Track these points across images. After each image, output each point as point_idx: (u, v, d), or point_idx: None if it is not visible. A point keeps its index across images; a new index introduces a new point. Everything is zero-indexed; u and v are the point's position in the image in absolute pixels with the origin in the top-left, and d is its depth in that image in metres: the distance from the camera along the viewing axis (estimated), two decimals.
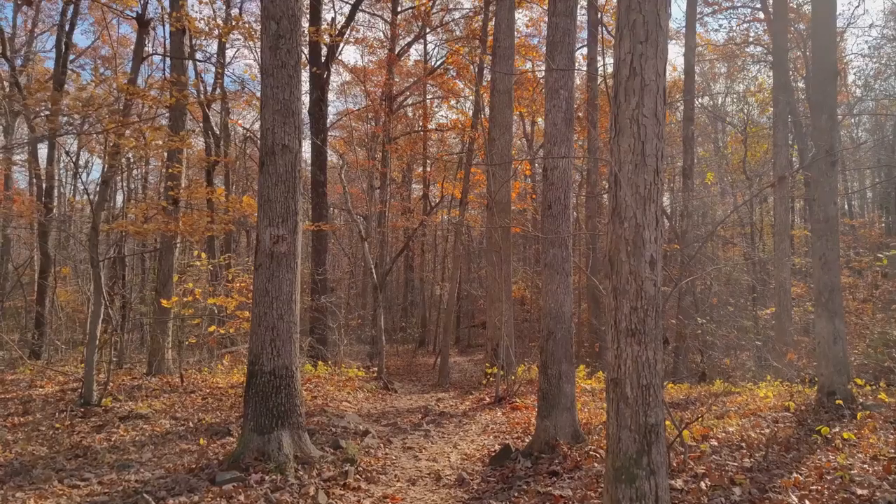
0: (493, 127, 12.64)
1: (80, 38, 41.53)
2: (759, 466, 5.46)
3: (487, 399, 10.15)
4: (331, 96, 25.28)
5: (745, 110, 23.63)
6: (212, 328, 9.76)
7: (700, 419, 6.32)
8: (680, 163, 19.77)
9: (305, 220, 22.27)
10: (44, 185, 17.30)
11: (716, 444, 6.31)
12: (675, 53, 57.59)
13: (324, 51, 16.63)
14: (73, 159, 17.26)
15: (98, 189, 8.49)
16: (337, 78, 27.52)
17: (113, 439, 6.79)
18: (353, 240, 27.33)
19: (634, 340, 3.33)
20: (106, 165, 8.27)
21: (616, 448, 3.45)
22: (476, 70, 18.73)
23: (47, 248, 15.79)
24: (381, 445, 6.82)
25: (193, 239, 8.82)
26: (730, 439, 6.50)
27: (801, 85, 19.91)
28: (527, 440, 7.06)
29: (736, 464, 5.50)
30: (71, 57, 18.51)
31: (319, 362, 12.93)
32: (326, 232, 17.74)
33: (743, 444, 6.27)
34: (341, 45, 19.27)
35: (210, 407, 8.58)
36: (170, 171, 9.80)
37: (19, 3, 17.47)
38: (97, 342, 8.27)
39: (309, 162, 16.45)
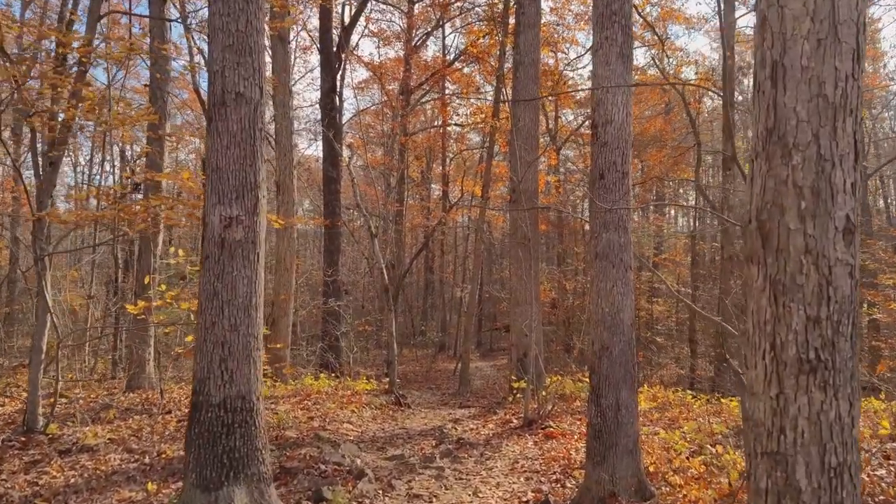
0: (517, 104, 11.03)
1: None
2: None
3: (514, 421, 8.55)
4: (347, 92, 24.06)
5: None
6: (189, 338, 8.32)
7: None
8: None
9: (317, 215, 20.84)
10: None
11: None
12: (711, 39, 55.91)
13: (335, 43, 15.52)
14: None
15: (44, 172, 7.13)
16: (351, 77, 26.34)
17: (41, 482, 5.34)
18: (368, 241, 26.04)
19: (814, 381, 1.74)
20: (45, 143, 6.84)
21: None
22: (498, 55, 17.20)
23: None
24: (380, 492, 5.28)
25: (133, 231, 7.36)
26: None
27: None
28: (568, 485, 5.46)
29: None
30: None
31: (323, 374, 11.46)
32: (339, 231, 16.34)
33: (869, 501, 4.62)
34: (356, 37, 18.05)
35: (180, 434, 7.12)
36: (144, 152, 8.41)
37: None
38: (42, 356, 6.87)
39: (321, 158, 15.20)
